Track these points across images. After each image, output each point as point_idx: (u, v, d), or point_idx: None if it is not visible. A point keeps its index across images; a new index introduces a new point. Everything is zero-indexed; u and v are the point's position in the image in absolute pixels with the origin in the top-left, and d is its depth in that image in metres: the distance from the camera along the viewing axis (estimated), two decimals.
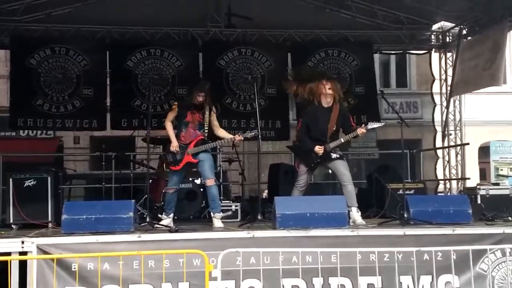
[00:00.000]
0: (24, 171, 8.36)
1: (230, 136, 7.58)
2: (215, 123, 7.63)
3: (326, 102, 7.58)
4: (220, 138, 7.61)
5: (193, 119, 7.48)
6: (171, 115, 7.61)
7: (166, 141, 7.85)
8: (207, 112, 7.51)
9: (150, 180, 8.16)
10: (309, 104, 7.74)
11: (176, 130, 7.56)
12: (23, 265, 6.11)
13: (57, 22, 10.83)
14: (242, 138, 7.49)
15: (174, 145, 7.43)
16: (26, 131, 14.81)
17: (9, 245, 6.28)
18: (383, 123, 7.71)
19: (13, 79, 11.15)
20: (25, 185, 8.10)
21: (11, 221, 7.94)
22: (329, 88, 7.52)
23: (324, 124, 7.52)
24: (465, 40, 11.22)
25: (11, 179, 8.18)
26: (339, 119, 7.57)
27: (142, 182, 9.18)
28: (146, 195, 8.12)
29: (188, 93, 7.85)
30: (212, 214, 7.51)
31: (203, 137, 7.48)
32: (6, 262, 5.70)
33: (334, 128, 7.58)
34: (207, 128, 7.50)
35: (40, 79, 10.82)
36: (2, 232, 7.22)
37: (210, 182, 7.45)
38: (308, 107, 7.80)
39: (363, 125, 7.52)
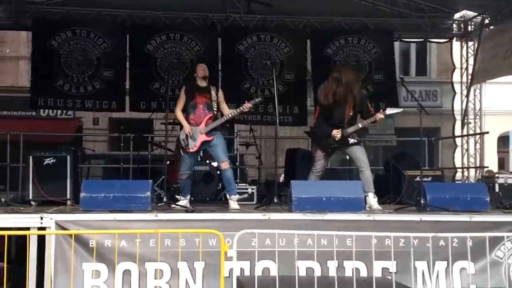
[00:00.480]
0: (44, 150, 8.48)
1: (239, 108, 7.47)
2: (223, 103, 7.62)
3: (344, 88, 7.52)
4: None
5: (201, 100, 7.52)
6: (181, 103, 7.60)
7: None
8: (213, 92, 7.56)
9: (168, 162, 8.20)
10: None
11: (185, 113, 7.58)
12: (41, 240, 6.20)
13: (78, 5, 10.91)
14: (251, 105, 7.43)
15: (187, 128, 7.46)
16: (46, 112, 14.99)
17: (28, 220, 6.37)
18: (401, 109, 7.68)
19: (35, 60, 11.24)
20: (45, 163, 8.20)
21: (31, 197, 8.05)
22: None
23: (341, 109, 7.51)
24: (487, 29, 11.11)
25: (31, 157, 8.29)
26: (357, 105, 7.56)
27: (160, 164, 9.24)
28: (163, 176, 8.19)
29: (193, 76, 7.83)
30: (228, 196, 7.56)
31: (212, 115, 7.51)
32: (25, 237, 5.81)
33: (352, 114, 7.57)
34: (215, 108, 7.54)
35: (61, 61, 10.91)
36: (22, 208, 7.33)
37: (225, 165, 7.49)
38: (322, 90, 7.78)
39: (381, 110, 7.50)
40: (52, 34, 10.90)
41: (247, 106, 7.39)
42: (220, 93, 7.66)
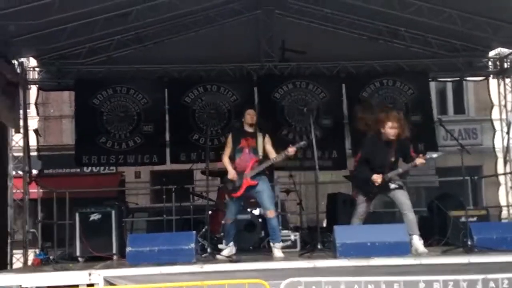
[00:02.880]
0: (89, 206, 8.67)
1: (285, 152, 7.48)
2: (271, 149, 7.62)
3: (387, 138, 7.52)
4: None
5: (247, 144, 7.59)
6: (227, 150, 7.68)
7: (224, 173, 7.97)
8: (260, 138, 7.62)
9: (210, 212, 8.28)
10: (367, 135, 7.74)
11: (232, 158, 7.64)
12: None
13: (117, 63, 11.27)
14: (295, 149, 7.45)
15: (232, 173, 7.53)
16: (89, 168, 15.29)
17: (77, 277, 6.45)
18: (442, 153, 7.65)
19: (78, 118, 11.60)
20: (91, 219, 8.41)
21: (78, 254, 8.22)
22: (392, 129, 7.43)
23: (383, 155, 7.47)
24: None
25: (77, 214, 8.51)
26: (399, 151, 7.52)
27: (202, 214, 9.34)
28: (206, 226, 8.25)
29: (240, 122, 7.93)
30: (272, 244, 7.56)
31: (258, 160, 7.54)
32: None
33: (393, 159, 7.54)
34: (261, 153, 7.57)
35: (103, 118, 11.23)
36: (70, 265, 7.46)
37: (271, 214, 7.50)
38: (367, 138, 7.78)
39: (421, 155, 7.44)
40: (93, 92, 11.26)
41: (292, 150, 7.42)
42: (267, 138, 7.68)
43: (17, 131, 10.23)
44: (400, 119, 7.56)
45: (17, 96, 10.09)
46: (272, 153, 7.60)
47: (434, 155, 7.43)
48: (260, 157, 7.57)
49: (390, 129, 7.39)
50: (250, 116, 7.68)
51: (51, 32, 9.37)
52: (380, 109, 7.81)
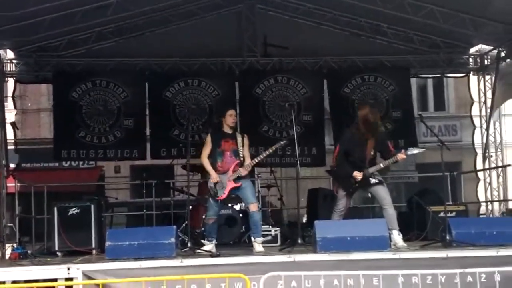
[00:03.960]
0: (68, 200, 8.60)
1: (264, 152, 7.61)
2: (247, 154, 7.69)
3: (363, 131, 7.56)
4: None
5: (228, 147, 7.58)
6: (206, 150, 7.65)
7: (204, 169, 7.95)
8: (239, 139, 7.63)
9: (190, 207, 8.24)
10: (345, 130, 7.78)
11: (211, 160, 7.63)
12: None
13: (97, 56, 11.13)
14: (274, 148, 7.53)
15: (214, 177, 7.51)
16: (68, 162, 15.15)
17: (55, 271, 6.39)
18: (423, 149, 7.69)
19: (56, 112, 11.42)
20: (69, 213, 8.34)
21: (57, 248, 8.14)
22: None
23: (361, 149, 7.52)
24: (504, 62, 11.12)
25: (55, 208, 8.42)
26: (378, 145, 7.56)
27: (182, 209, 9.29)
28: (186, 221, 8.22)
29: (218, 122, 7.92)
30: (253, 238, 7.56)
31: (239, 162, 7.56)
32: None
33: (372, 153, 7.57)
34: (241, 154, 7.60)
35: (82, 112, 11.09)
36: (48, 259, 7.39)
37: (254, 207, 7.52)
38: (344, 132, 7.84)
39: (403, 150, 7.48)
40: (72, 86, 11.11)
41: (272, 149, 7.49)
42: (246, 140, 7.72)
43: (3, 123, 10.06)
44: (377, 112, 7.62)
45: None
46: (248, 158, 7.64)
47: (415, 151, 7.47)
48: (241, 158, 7.58)
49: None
50: (232, 118, 7.69)
51: (29, 23, 9.20)
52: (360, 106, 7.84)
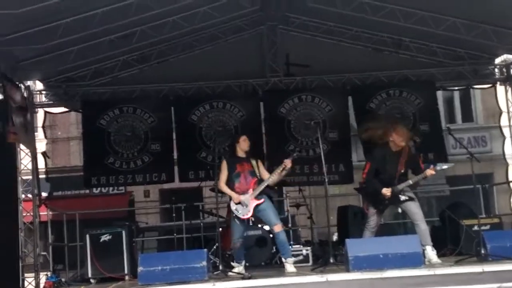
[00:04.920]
0: (100, 227, 8.67)
1: (279, 168, 7.54)
2: (264, 171, 7.73)
3: (395, 146, 7.53)
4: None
5: (243, 168, 7.62)
6: (223, 176, 7.68)
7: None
8: (253, 162, 7.67)
9: (220, 229, 8.25)
10: (376, 147, 7.74)
11: (229, 183, 7.65)
12: None
13: (123, 83, 11.30)
14: (289, 162, 7.50)
15: (235, 198, 7.53)
16: (98, 188, 15.31)
17: None
18: (452, 164, 7.63)
19: (85, 140, 11.59)
20: (101, 240, 8.40)
21: (90, 275, 8.20)
22: (401, 141, 7.47)
23: (392, 167, 7.47)
24: None
25: (87, 235, 8.50)
26: (408, 162, 7.51)
27: (212, 231, 9.30)
28: (217, 244, 8.22)
29: (231, 148, 7.97)
30: (283, 259, 7.52)
31: (257, 180, 7.58)
32: None
33: (403, 171, 7.52)
34: (258, 174, 7.63)
35: (111, 138, 11.23)
36: (82, 287, 7.43)
37: (278, 228, 7.50)
38: (375, 150, 7.79)
39: (432, 166, 7.42)
40: (100, 113, 11.28)
41: (287, 162, 7.46)
42: (260, 162, 7.80)
43: (33, 154, 10.24)
44: (405, 131, 7.56)
45: (28, 119, 10.12)
46: (266, 175, 7.68)
47: (444, 166, 7.44)
48: (258, 177, 7.61)
49: (397, 137, 7.38)
50: (246, 142, 7.74)
51: (57, 55, 9.42)
52: (387, 122, 7.79)
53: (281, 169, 7.54)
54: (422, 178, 7.47)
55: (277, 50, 11.37)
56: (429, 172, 7.32)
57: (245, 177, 7.59)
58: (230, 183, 7.64)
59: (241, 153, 7.73)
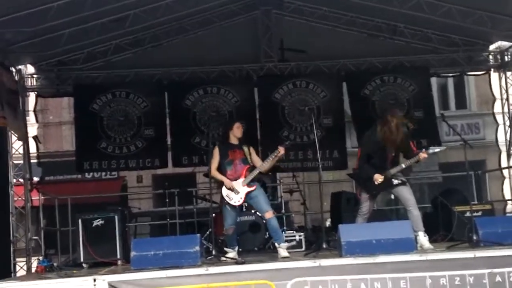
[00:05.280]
0: (92, 212, 8.65)
1: (272, 154, 7.49)
2: (256, 158, 7.71)
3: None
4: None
5: (236, 156, 7.60)
6: (215, 162, 7.64)
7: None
8: (245, 149, 7.64)
9: (214, 214, 8.24)
10: (366, 133, 7.73)
11: (221, 170, 7.62)
12: None
13: (116, 67, 11.23)
14: (284, 147, 7.47)
15: (228, 183, 7.51)
16: (91, 173, 15.26)
17: (81, 283, 6.39)
18: (445, 147, 7.61)
19: (78, 124, 11.54)
20: (94, 225, 8.39)
21: (82, 260, 8.19)
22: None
23: (384, 151, 7.45)
24: None
25: (80, 220, 8.48)
26: (400, 145, 7.49)
27: (206, 217, 9.31)
28: (210, 229, 8.22)
29: (224, 134, 7.94)
30: (277, 244, 7.52)
31: (249, 167, 7.56)
32: None
33: (394, 154, 7.51)
34: (250, 161, 7.62)
35: (103, 123, 11.18)
36: (74, 271, 7.42)
37: (269, 214, 7.50)
38: (366, 135, 7.79)
39: (424, 149, 7.40)
40: (93, 98, 11.21)
41: (280, 149, 7.43)
42: (252, 149, 7.75)
43: (21, 139, 10.19)
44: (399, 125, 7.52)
45: (18, 104, 10.06)
46: (258, 161, 7.66)
47: (437, 149, 7.39)
48: (250, 164, 7.59)
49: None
50: (239, 129, 7.70)
51: (49, 38, 9.32)
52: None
53: (273, 156, 7.53)
54: (415, 162, 7.45)
55: (272, 35, 11.31)
56: (422, 155, 7.30)
57: (237, 165, 7.57)
58: (222, 170, 7.62)
59: (233, 140, 7.71)
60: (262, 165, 7.56)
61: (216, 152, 7.68)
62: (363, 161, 7.58)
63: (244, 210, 9.20)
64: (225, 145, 7.71)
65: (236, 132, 7.68)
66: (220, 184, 7.64)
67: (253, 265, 6.63)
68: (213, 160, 7.66)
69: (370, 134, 7.65)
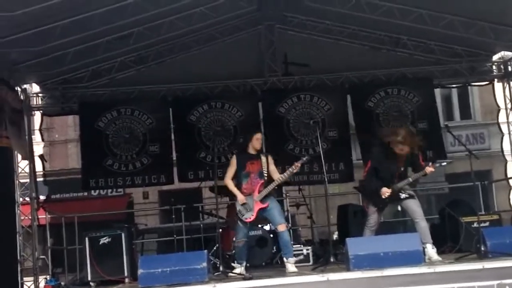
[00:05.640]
0: (99, 230, 8.64)
1: (289, 169, 7.53)
2: (274, 169, 7.68)
3: (399, 149, 7.49)
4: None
5: (253, 168, 7.58)
6: (230, 172, 7.65)
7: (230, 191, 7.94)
8: (263, 159, 7.62)
9: (220, 229, 8.23)
10: (375, 146, 7.73)
11: (236, 182, 7.63)
12: None
13: (121, 85, 11.26)
14: (299, 164, 7.47)
15: (241, 199, 7.51)
16: (97, 191, 15.27)
17: None
18: (451, 160, 7.62)
19: (83, 142, 11.55)
20: (101, 242, 8.37)
21: (90, 278, 8.17)
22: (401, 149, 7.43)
23: (392, 165, 7.45)
24: None
25: (87, 238, 8.47)
26: (408, 160, 7.48)
27: (212, 232, 9.28)
28: (217, 245, 8.20)
29: (244, 143, 7.93)
30: (285, 259, 7.50)
31: (264, 182, 7.55)
32: None
33: (402, 169, 7.50)
34: (266, 174, 7.59)
35: (109, 140, 11.18)
36: None
37: (282, 227, 7.48)
38: (374, 149, 7.78)
39: (430, 163, 7.40)
40: (98, 115, 11.23)
41: (296, 165, 7.42)
42: (270, 159, 7.72)
43: (25, 158, 10.22)
44: (410, 135, 7.52)
45: (23, 123, 10.10)
46: (276, 173, 7.65)
47: (443, 163, 7.40)
48: (266, 178, 7.57)
49: (398, 144, 7.35)
50: (259, 141, 7.70)
51: (54, 57, 9.38)
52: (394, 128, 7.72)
53: (290, 171, 7.52)
54: (421, 176, 7.45)
55: (276, 49, 11.35)
56: (429, 169, 7.30)
57: (253, 178, 7.55)
58: (237, 182, 7.61)
59: (252, 151, 7.70)
60: (277, 180, 7.55)
61: (234, 162, 7.67)
62: (371, 174, 7.57)
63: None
64: (244, 156, 7.69)
65: (256, 144, 7.68)
66: (232, 195, 7.62)
67: (261, 281, 6.62)
68: (230, 169, 7.65)
69: (378, 147, 7.65)
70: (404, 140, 7.39)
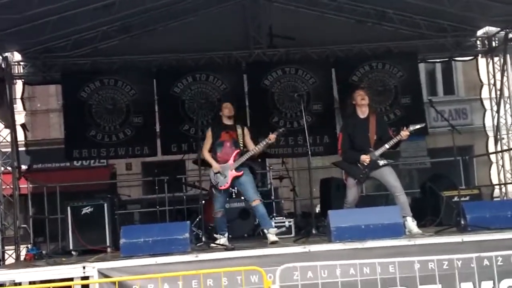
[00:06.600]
0: (81, 199, 8.63)
1: (264, 141, 7.55)
2: (249, 141, 7.71)
3: (362, 112, 7.56)
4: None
5: (227, 137, 7.61)
6: (207, 144, 7.69)
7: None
8: (239, 130, 7.65)
9: (203, 201, 8.25)
10: (345, 118, 7.77)
11: (212, 152, 7.66)
12: None
13: (104, 55, 11.14)
14: (275, 135, 7.50)
15: (215, 167, 7.54)
16: (80, 161, 15.19)
17: (70, 270, 6.41)
18: (423, 124, 7.68)
19: (66, 112, 11.47)
20: (83, 212, 8.37)
21: (71, 247, 8.18)
22: (362, 99, 7.51)
23: (365, 133, 7.49)
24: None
25: (69, 208, 8.46)
26: (378, 129, 7.53)
27: (195, 204, 9.31)
28: (200, 216, 8.23)
29: (218, 116, 7.99)
30: (266, 230, 7.54)
31: (239, 151, 7.57)
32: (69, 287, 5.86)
33: (375, 138, 7.53)
34: (241, 144, 7.62)
35: (92, 111, 11.11)
36: (63, 259, 7.41)
37: (256, 202, 7.53)
38: (344, 120, 7.83)
39: (405, 127, 7.43)
40: (81, 85, 11.13)
41: (271, 137, 7.45)
42: (246, 130, 7.76)
43: (7, 127, 10.12)
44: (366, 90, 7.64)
45: (5, 91, 9.98)
46: (251, 145, 7.68)
47: (417, 126, 7.41)
48: (241, 148, 7.60)
49: (362, 100, 7.47)
50: (227, 109, 7.73)
51: (35, 25, 9.20)
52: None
53: (264, 143, 7.55)
54: (397, 140, 7.45)
55: (260, 21, 11.28)
56: (404, 133, 7.34)
57: (227, 147, 7.58)
58: (213, 152, 7.64)
59: (226, 120, 7.72)
60: (252, 150, 7.57)
61: (209, 134, 7.71)
62: (346, 145, 7.61)
63: (233, 197, 9.23)
64: (218, 127, 7.73)
65: (225, 112, 7.70)
66: (210, 166, 7.65)
67: (243, 251, 6.66)
68: (206, 142, 7.70)
69: (350, 116, 7.68)
70: (363, 91, 7.54)
